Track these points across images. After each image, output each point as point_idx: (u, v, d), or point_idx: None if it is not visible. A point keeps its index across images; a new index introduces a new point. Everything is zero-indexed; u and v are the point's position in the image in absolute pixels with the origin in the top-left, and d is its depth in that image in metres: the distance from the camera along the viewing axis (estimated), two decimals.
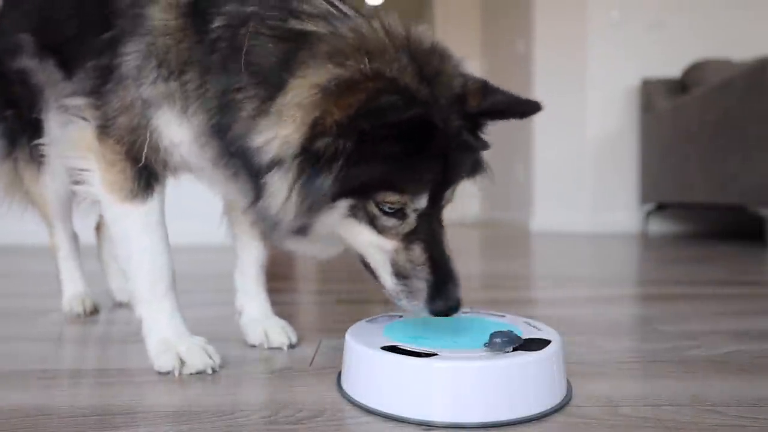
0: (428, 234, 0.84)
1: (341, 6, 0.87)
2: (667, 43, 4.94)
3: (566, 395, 0.84)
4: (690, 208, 4.75)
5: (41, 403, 0.85)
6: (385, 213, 0.81)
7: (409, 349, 0.81)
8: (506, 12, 6.45)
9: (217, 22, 0.87)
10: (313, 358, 1.07)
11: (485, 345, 0.80)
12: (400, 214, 0.81)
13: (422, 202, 0.81)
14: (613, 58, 5.04)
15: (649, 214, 4.94)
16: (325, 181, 0.77)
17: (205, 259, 2.68)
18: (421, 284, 0.82)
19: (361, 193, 0.80)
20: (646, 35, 4.99)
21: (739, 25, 4.85)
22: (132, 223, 0.99)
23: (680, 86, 4.64)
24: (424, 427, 0.74)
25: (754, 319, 1.45)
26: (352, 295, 1.80)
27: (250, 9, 0.86)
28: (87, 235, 1.59)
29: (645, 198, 4.93)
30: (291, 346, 1.13)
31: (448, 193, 0.85)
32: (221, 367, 0.99)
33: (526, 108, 0.86)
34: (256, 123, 0.81)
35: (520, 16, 5.83)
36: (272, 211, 0.80)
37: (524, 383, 0.77)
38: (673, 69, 4.78)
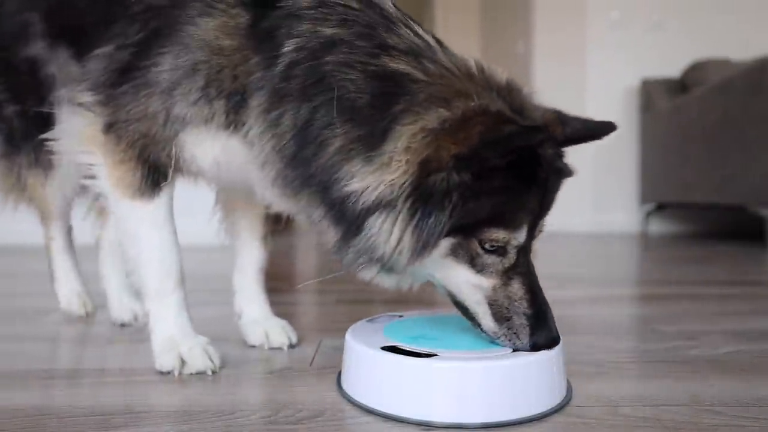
0: (524, 267, 0.82)
1: (424, 35, 0.86)
2: (667, 44, 4.94)
3: (566, 395, 0.84)
4: (690, 208, 4.75)
5: (41, 403, 0.85)
6: (487, 251, 0.79)
7: (409, 349, 0.81)
8: (506, 13, 6.45)
9: (290, 45, 0.83)
10: (313, 358, 1.07)
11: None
12: (502, 251, 0.80)
13: (523, 235, 0.80)
14: (613, 58, 5.04)
15: (648, 214, 4.94)
16: (439, 219, 0.75)
17: (206, 259, 2.68)
18: (522, 320, 0.81)
19: (469, 229, 0.78)
20: (645, 36, 4.99)
21: (739, 25, 4.85)
22: (140, 220, 0.97)
23: (680, 86, 4.64)
24: (424, 427, 0.74)
25: (753, 319, 1.45)
26: (352, 295, 1.80)
27: (331, 32, 0.83)
28: (84, 235, 1.57)
29: (645, 198, 4.93)
30: (291, 346, 1.13)
31: (542, 222, 0.84)
32: (221, 367, 0.99)
33: (603, 130, 0.88)
34: (352, 165, 0.78)
35: (519, 17, 5.83)
36: (380, 251, 0.78)
37: (524, 383, 0.77)
38: (672, 69, 4.78)
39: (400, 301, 1.69)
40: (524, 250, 0.82)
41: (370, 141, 0.78)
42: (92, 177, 0.99)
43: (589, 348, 1.14)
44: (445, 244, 0.78)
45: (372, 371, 0.82)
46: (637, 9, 5.00)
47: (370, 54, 0.81)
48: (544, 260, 3.07)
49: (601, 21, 5.04)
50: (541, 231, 0.85)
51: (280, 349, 1.12)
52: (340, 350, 0.93)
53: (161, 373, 0.96)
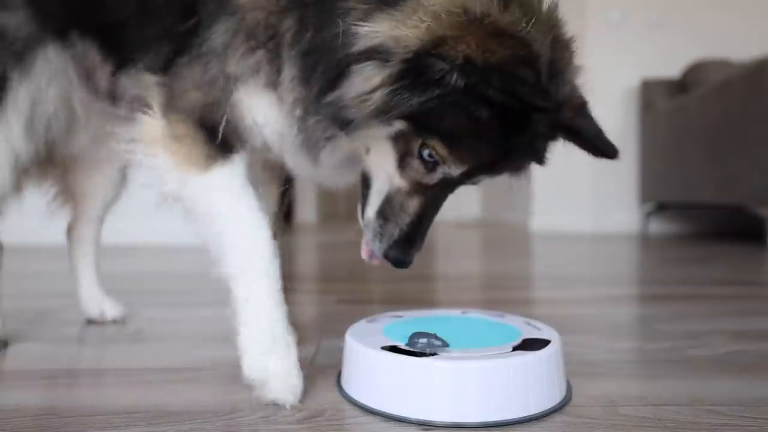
0: (432, 198, 0.83)
1: None
2: (667, 43, 4.94)
3: (566, 395, 0.84)
4: (690, 208, 4.75)
5: (42, 404, 0.85)
6: (421, 157, 0.79)
7: (409, 349, 0.81)
8: None
9: None
10: (313, 358, 1.07)
11: (406, 344, 0.83)
12: (431, 166, 0.79)
13: (458, 170, 0.79)
14: (613, 58, 5.04)
15: (649, 214, 4.94)
16: (415, 97, 0.71)
17: (202, 259, 2.68)
18: (394, 230, 0.82)
19: (425, 128, 0.76)
20: (645, 36, 4.99)
21: (739, 25, 4.85)
22: (216, 192, 0.89)
23: (680, 86, 4.64)
24: (424, 427, 0.74)
25: (754, 319, 1.45)
26: (352, 295, 1.80)
27: None
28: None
29: (645, 198, 4.93)
30: None
31: (480, 178, 0.83)
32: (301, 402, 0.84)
33: (606, 149, 0.84)
34: (369, 19, 0.74)
35: None
36: (349, 95, 0.74)
37: (524, 383, 0.77)
38: (673, 69, 4.78)
39: (400, 301, 1.70)
40: (447, 185, 0.82)
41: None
42: (158, 176, 0.92)
43: (589, 348, 1.14)
44: (399, 125, 0.77)
45: (372, 371, 0.82)
46: (637, 9, 5.00)
47: None
48: (544, 260, 3.07)
49: (601, 21, 5.04)
50: (474, 183, 0.84)
51: None
52: (340, 350, 0.93)
53: (248, 380, 0.84)
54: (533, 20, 0.73)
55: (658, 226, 4.96)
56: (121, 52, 1.01)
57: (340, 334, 0.94)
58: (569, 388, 0.87)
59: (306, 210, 8.57)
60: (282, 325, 0.88)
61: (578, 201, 5.10)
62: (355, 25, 0.74)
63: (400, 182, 0.82)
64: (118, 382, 0.94)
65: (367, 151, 0.85)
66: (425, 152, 0.78)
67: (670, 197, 4.49)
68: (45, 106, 1.12)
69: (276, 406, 0.82)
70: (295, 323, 1.21)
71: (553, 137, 0.82)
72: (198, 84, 0.89)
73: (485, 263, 2.96)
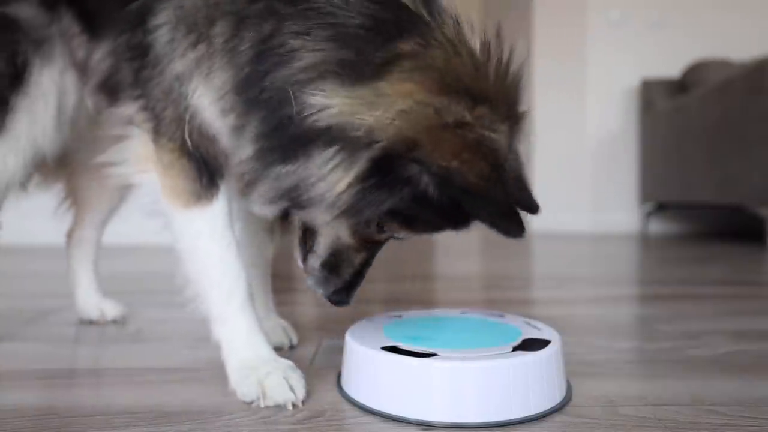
0: (376, 250, 0.86)
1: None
2: (667, 43, 4.94)
3: (566, 395, 0.84)
4: (690, 208, 4.75)
5: (42, 404, 0.85)
6: (374, 227, 0.79)
7: (409, 349, 0.81)
8: (506, 12, 6.45)
9: None
10: (313, 358, 1.07)
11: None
12: (383, 231, 0.81)
13: (407, 236, 0.82)
14: (613, 58, 5.04)
15: (649, 214, 4.94)
16: (384, 201, 0.69)
17: None
18: (338, 281, 0.86)
19: (385, 215, 0.74)
20: (645, 35, 4.99)
21: (739, 25, 4.85)
22: (198, 231, 0.88)
23: (680, 86, 4.64)
24: (423, 427, 0.74)
25: (754, 319, 1.45)
26: None
27: None
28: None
29: (645, 198, 4.93)
30: (291, 347, 1.13)
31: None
32: (303, 402, 0.83)
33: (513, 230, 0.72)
34: (325, 83, 0.67)
35: (520, 17, 5.83)
36: (309, 180, 0.69)
37: (524, 383, 0.77)
38: (673, 69, 4.78)
39: (400, 301, 1.70)
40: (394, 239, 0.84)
41: (359, 70, 0.66)
42: (150, 199, 0.91)
43: (589, 348, 1.13)
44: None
45: (372, 371, 0.82)
46: (637, 8, 5.00)
47: None
48: (544, 260, 3.07)
49: (601, 20, 5.04)
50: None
51: (279, 348, 1.11)
52: (340, 350, 0.93)
53: (245, 403, 0.84)
54: (495, 113, 0.69)
55: (658, 226, 4.96)
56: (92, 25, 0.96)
57: (340, 334, 0.94)
58: (569, 388, 0.87)
59: None
60: (263, 348, 0.90)
61: (578, 201, 5.10)
62: (307, 85, 0.68)
63: (349, 241, 0.84)
64: (117, 382, 0.94)
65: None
66: (384, 230, 0.80)
67: (670, 197, 4.49)
68: (69, 96, 1.08)
69: (278, 407, 0.82)
70: (295, 323, 1.21)
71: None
72: (163, 96, 0.84)
73: (485, 263, 2.95)
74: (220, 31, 0.76)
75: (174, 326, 1.35)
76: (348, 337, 0.89)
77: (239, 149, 0.77)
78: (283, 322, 1.17)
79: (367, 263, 0.86)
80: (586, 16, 5.06)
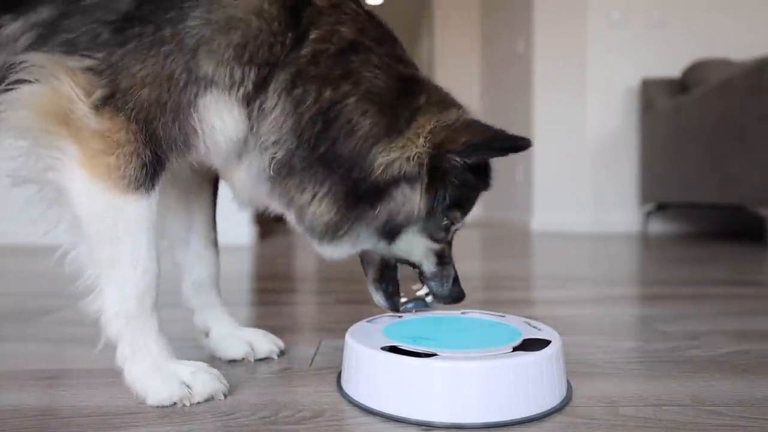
0: (451, 244, 1.04)
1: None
2: (667, 43, 4.94)
3: (566, 395, 0.83)
4: (690, 208, 4.75)
5: (42, 404, 0.85)
6: (445, 227, 0.97)
7: (409, 349, 0.81)
8: (506, 12, 6.45)
9: (314, 35, 0.86)
10: (313, 358, 1.07)
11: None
12: (451, 227, 0.99)
13: (461, 222, 1.00)
14: (613, 58, 5.04)
15: (649, 214, 4.94)
16: (446, 193, 0.92)
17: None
18: (451, 272, 1.02)
19: (446, 207, 0.94)
20: (645, 35, 4.99)
21: (739, 25, 4.85)
22: (126, 219, 0.81)
23: (680, 86, 4.64)
24: (424, 427, 0.74)
25: (754, 319, 1.45)
26: (352, 295, 1.80)
27: (353, 36, 0.89)
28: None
29: (645, 198, 4.93)
30: (281, 353, 1.08)
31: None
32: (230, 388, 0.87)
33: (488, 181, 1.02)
34: (380, 146, 0.88)
35: (519, 16, 5.83)
36: (401, 216, 0.91)
37: (524, 383, 0.77)
38: (673, 69, 4.79)
39: None
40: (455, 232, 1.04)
41: (396, 126, 0.89)
42: (48, 168, 0.81)
43: (589, 348, 1.13)
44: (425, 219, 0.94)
45: (372, 371, 0.81)
46: (638, 8, 5.00)
47: (390, 59, 0.92)
48: (544, 260, 3.07)
49: (602, 20, 5.05)
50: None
51: (269, 358, 1.06)
52: (340, 350, 0.93)
53: (161, 407, 0.81)
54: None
55: (658, 226, 4.96)
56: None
57: (340, 334, 0.94)
58: (569, 388, 0.87)
59: None
60: (169, 352, 0.87)
61: (578, 201, 5.11)
62: (373, 148, 0.88)
63: (437, 246, 1.00)
64: (117, 382, 0.94)
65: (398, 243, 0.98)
66: (447, 222, 0.97)
67: (670, 197, 4.49)
68: None
69: (275, 406, 0.82)
70: (295, 323, 1.21)
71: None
72: (149, 79, 0.79)
73: (485, 263, 2.95)
74: (283, 77, 0.86)
75: (173, 326, 1.35)
76: (348, 337, 0.89)
77: (310, 202, 0.90)
78: (262, 330, 1.11)
79: (451, 258, 1.03)
80: (586, 16, 5.06)
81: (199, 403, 0.82)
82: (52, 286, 1.51)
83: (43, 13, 0.81)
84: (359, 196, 0.88)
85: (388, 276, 1.03)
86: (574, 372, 0.94)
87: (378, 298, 1.04)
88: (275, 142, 0.87)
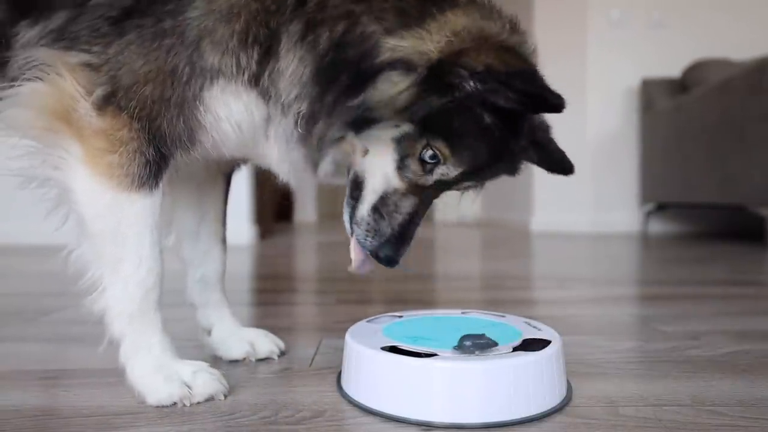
0: (425, 199, 0.86)
1: None
2: (667, 43, 4.94)
3: (566, 395, 0.83)
4: (690, 208, 4.75)
5: (42, 404, 0.85)
6: (422, 159, 0.82)
7: (409, 349, 0.81)
8: (506, 12, 6.45)
9: None
10: (313, 358, 1.07)
11: (454, 348, 0.81)
12: (430, 168, 0.83)
13: (454, 172, 0.83)
14: (613, 58, 5.04)
15: (649, 214, 4.94)
16: (433, 101, 0.76)
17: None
18: (388, 229, 0.84)
19: (432, 131, 0.79)
20: (646, 35, 4.99)
21: (739, 25, 4.85)
22: (130, 217, 0.81)
23: (680, 86, 4.64)
24: (424, 427, 0.74)
25: (754, 319, 1.45)
26: (352, 295, 1.80)
27: None
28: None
29: (645, 198, 4.93)
30: (282, 354, 1.08)
31: (467, 184, 0.88)
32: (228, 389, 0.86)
33: (565, 166, 0.99)
34: (393, 35, 0.77)
35: (519, 16, 5.82)
36: (374, 99, 0.76)
37: (524, 383, 0.77)
38: (673, 69, 4.78)
39: (400, 301, 1.70)
40: (440, 187, 0.85)
41: (418, 18, 0.77)
42: (54, 167, 0.81)
43: (589, 348, 1.13)
44: (406, 127, 0.80)
45: (372, 371, 0.82)
46: (638, 8, 5.00)
47: None
48: (544, 260, 3.07)
49: (602, 20, 5.04)
50: (460, 189, 0.89)
51: (269, 359, 1.05)
52: (340, 350, 0.93)
53: (161, 407, 0.81)
54: (534, 47, 0.83)
55: (658, 226, 4.96)
56: None
57: (340, 334, 0.94)
58: (569, 388, 0.87)
59: (306, 210, 8.57)
60: (172, 351, 0.87)
61: (578, 201, 5.11)
62: (381, 37, 0.77)
63: (397, 183, 0.84)
64: (118, 382, 0.94)
65: (365, 153, 0.84)
66: (428, 153, 0.81)
67: (670, 197, 4.49)
68: None
69: (275, 406, 0.82)
70: (295, 323, 1.21)
71: (527, 151, 0.88)
72: (152, 75, 0.78)
73: (485, 263, 2.95)
74: (293, 30, 0.79)
75: (174, 326, 1.35)
76: (348, 337, 0.89)
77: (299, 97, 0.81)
78: (263, 330, 1.10)
79: (416, 214, 0.85)
80: (586, 16, 5.06)
81: (199, 403, 0.82)
82: (53, 286, 1.51)
83: (60, 18, 0.81)
84: (361, 73, 0.78)
85: (357, 195, 0.88)
86: (574, 372, 0.94)
87: (345, 217, 0.90)
88: (297, 96, 0.81)
